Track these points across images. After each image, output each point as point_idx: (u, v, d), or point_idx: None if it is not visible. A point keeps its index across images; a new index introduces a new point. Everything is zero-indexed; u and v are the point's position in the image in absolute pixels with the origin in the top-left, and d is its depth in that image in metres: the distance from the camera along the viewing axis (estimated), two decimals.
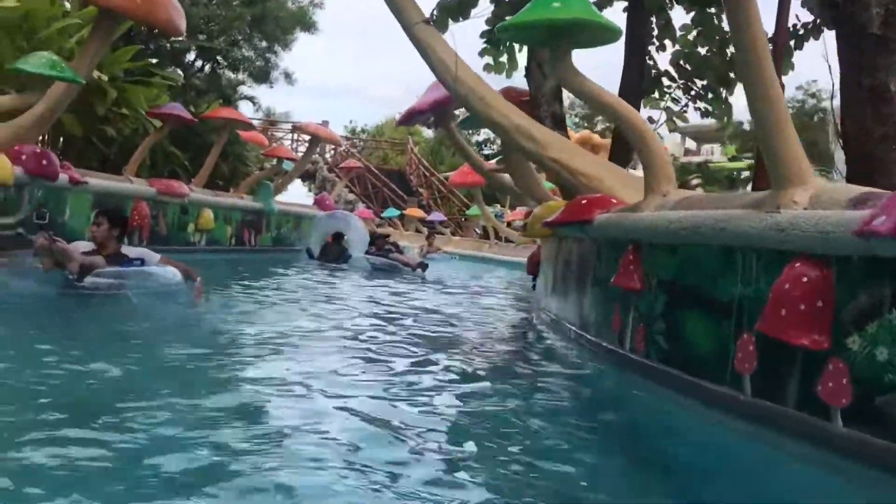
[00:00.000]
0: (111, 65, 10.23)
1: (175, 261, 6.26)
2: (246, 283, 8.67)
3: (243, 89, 24.51)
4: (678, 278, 3.47)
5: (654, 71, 6.91)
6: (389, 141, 37.64)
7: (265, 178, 13.60)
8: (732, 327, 3.01)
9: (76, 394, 3.16)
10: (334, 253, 13.20)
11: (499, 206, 27.06)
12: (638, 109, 6.54)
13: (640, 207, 3.94)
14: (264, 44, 15.47)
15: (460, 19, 6.07)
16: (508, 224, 23.09)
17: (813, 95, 36.50)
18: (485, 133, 49.90)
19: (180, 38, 13.14)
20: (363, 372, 4.20)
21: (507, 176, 12.18)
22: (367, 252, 12.96)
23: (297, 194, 32.57)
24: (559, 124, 6.12)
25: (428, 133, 43.51)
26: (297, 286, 9.31)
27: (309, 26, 14.85)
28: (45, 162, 6.92)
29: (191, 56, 15.59)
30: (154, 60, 11.76)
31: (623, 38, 6.67)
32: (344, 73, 68.22)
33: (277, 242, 13.95)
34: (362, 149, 34.40)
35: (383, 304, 7.93)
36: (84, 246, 5.90)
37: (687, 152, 47.28)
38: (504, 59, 6.87)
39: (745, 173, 33.41)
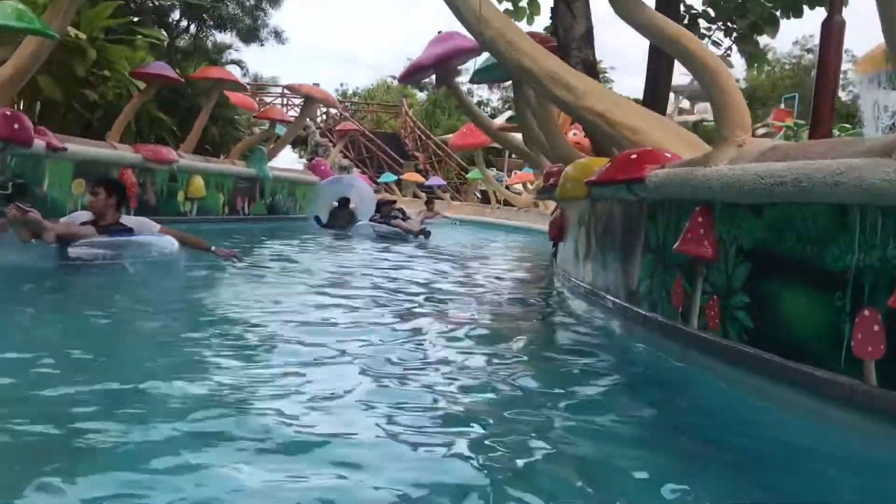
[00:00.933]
0: (90, 23, 9.51)
1: (176, 230, 6.08)
2: (246, 254, 8.06)
3: (230, 53, 23.73)
4: (767, 244, 2.91)
5: (685, 15, 6.26)
6: (382, 104, 36.80)
7: (257, 142, 12.91)
8: (848, 302, 2.47)
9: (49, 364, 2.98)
10: (344, 219, 12.96)
11: (495, 169, 26.39)
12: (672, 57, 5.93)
13: (708, 161, 3.35)
14: (252, 2, 14.68)
15: None
16: (507, 188, 22.47)
17: (810, 51, 35.84)
18: (478, 94, 49.10)
19: None
20: (390, 345, 3.85)
21: (517, 136, 11.59)
22: (371, 219, 12.56)
23: (287, 160, 31.77)
24: (591, 72, 5.52)
25: (421, 95, 42.64)
26: (297, 256, 8.83)
27: None
28: (16, 126, 6.25)
29: (175, 16, 14.81)
30: (135, 19, 10.98)
31: None
32: (331, 40, 66.66)
33: (272, 211, 13.31)
34: (354, 112, 33.56)
35: (393, 274, 7.42)
36: (84, 217, 5.80)
37: (681, 111, 46.39)
38: (524, 3, 6.20)
39: None
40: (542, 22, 6.30)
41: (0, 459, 2.05)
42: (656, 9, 5.97)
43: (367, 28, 72.34)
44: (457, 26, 4.65)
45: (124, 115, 9.39)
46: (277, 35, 15.21)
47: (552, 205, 18.49)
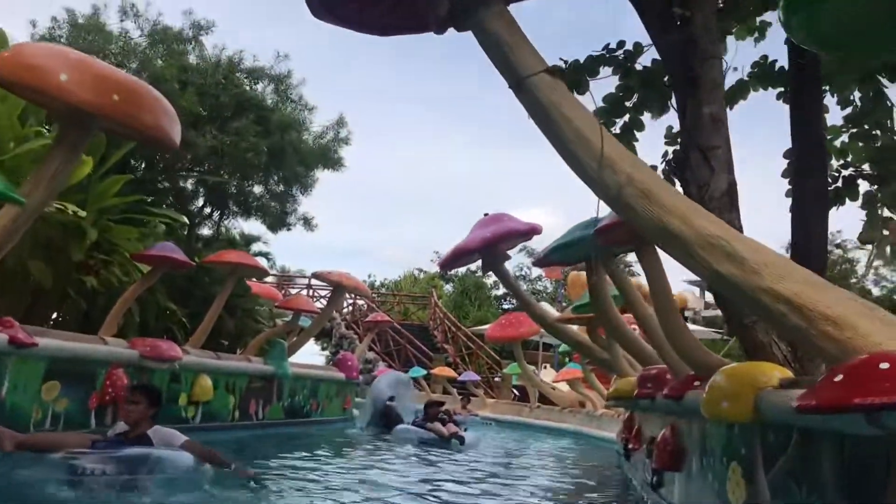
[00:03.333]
0: (95, 200, 8.38)
1: (201, 446, 5.58)
2: (261, 467, 6.75)
3: (257, 246, 23.10)
4: None
5: (838, 176, 4.90)
6: (410, 294, 35.87)
7: (278, 335, 11.43)
8: None
9: None
10: (386, 418, 12.55)
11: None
12: (826, 219, 4.49)
13: None
14: (281, 188, 13.80)
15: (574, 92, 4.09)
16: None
17: (838, 246, 35.04)
18: (497, 290, 48.16)
19: (184, 173, 11.45)
20: None
21: (573, 328, 10.06)
22: (415, 421, 11.83)
23: (309, 353, 30.28)
24: None
25: (448, 287, 41.81)
26: (323, 468, 7.56)
27: (334, 163, 13.13)
28: None
29: (198, 203, 13.94)
30: (150, 199, 9.93)
31: (789, 129, 4.74)
32: (351, 237, 67.64)
33: (291, 414, 11.57)
34: (381, 303, 32.49)
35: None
36: (121, 428, 5.53)
37: (707, 306, 44.45)
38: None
39: None
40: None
41: None
42: (797, 165, 4.61)
43: (389, 226, 73.07)
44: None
45: (120, 304, 7.99)
46: (307, 222, 14.20)
47: (601, 404, 16.67)
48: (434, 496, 6.24)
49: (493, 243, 9.42)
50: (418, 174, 70.16)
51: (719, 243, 3.00)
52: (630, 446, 7.57)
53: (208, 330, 9.48)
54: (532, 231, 9.81)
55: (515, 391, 23.36)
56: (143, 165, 10.76)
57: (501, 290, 48.54)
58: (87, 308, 8.92)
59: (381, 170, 69.86)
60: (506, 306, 44.08)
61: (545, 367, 24.85)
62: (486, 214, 10.24)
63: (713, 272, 3.04)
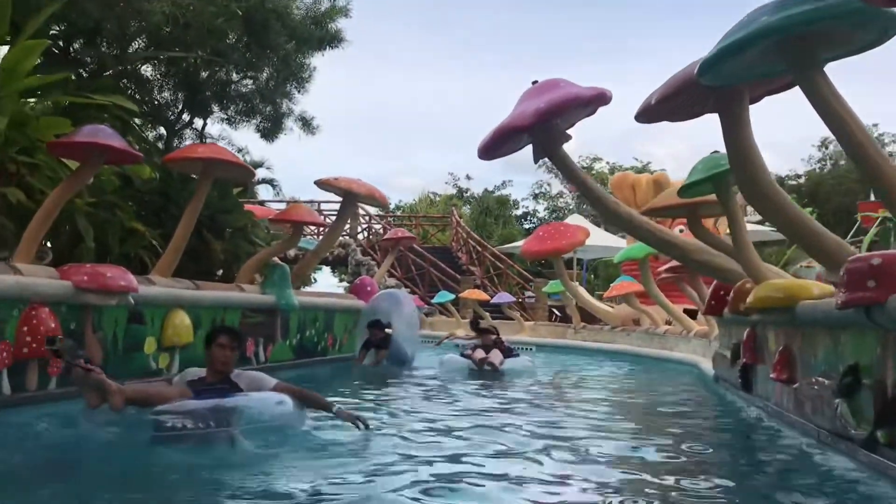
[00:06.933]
0: (3, 79, 5.98)
1: (293, 386, 4.85)
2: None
3: (262, 172, 20.61)
4: None
5: None
6: (428, 216, 33.55)
7: (275, 256, 9.13)
8: None
9: None
10: (378, 349, 10.24)
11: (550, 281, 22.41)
12: None
13: None
14: (272, 84, 11.29)
15: None
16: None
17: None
18: (525, 205, 45.39)
19: (139, 56, 8.97)
20: None
21: (664, 228, 7.74)
22: (464, 353, 10.33)
23: (323, 286, 27.92)
24: None
25: (466, 209, 39.37)
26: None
27: (331, 38, 10.55)
28: None
29: (176, 109, 11.51)
30: (69, 77, 7.36)
31: None
32: (360, 168, 64.44)
33: (302, 353, 9.41)
34: (398, 227, 30.21)
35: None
36: (194, 373, 4.83)
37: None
38: None
39: None
40: None
41: None
42: None
43: (405, 152, 69.71)
44: None
45: (40, 219, 5.66)
46: (305, 123, 11.75)
47: (662, 320, 14.46)
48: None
49: (548, 118, 7.05)
50: (433, 98, 66.56)
51: None
52: (775, 375, 5.33)
53: (179, 252, 7.18)
54: (600, 99, 7.36)
55: (557, 311, 21.21)
56: (82, 42, 8.30)
57: (522, 210, 45.87)
58: (14, 230, 6.62)
59: (391, 95, 66.39)
60: (527, 226, 41.65)
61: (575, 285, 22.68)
62: (534, 82, 7.80)
63: None
